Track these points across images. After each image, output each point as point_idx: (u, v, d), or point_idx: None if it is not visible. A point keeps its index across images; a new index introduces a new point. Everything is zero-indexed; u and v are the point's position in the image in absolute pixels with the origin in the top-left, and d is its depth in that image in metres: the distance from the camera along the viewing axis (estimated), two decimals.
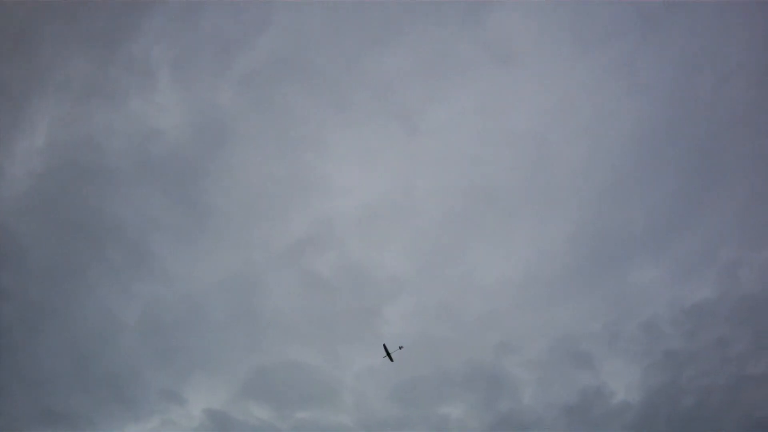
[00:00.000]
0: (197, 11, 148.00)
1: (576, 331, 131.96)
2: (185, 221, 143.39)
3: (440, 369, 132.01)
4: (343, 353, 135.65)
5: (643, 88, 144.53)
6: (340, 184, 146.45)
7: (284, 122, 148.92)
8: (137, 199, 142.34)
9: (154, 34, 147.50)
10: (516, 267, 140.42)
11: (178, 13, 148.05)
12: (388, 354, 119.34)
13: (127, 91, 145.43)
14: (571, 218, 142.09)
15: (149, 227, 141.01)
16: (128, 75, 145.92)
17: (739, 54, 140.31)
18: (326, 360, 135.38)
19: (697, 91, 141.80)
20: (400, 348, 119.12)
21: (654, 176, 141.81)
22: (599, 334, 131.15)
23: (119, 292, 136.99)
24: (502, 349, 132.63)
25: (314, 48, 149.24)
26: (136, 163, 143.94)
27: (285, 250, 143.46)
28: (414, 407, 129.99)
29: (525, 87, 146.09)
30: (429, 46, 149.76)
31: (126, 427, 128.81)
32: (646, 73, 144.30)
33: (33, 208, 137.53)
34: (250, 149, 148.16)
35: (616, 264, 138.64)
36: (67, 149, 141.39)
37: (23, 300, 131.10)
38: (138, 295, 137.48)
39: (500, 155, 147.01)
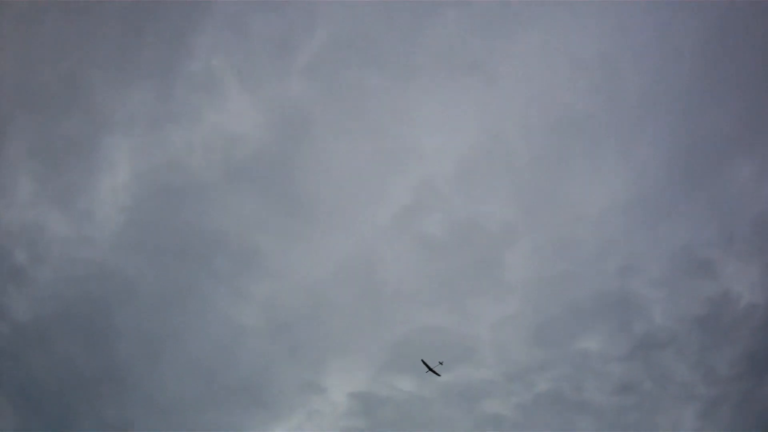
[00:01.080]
0: (245, 14, 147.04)
1: (691, 241, 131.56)
2: (287, 216, 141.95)
3: (570, 304, 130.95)
4: (473, 309, 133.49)
5: None
6: (431, 147, 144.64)
7: (360, 100, 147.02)
8: (233, 206, 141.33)
9: (208, 47, 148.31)
10: (618, 190, 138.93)
11: (227, 21, 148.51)
12: (431, 369, 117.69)
13: (197, 107, 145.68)
14: (660, 130, 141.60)
15: (252, 230, 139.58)
16: (194, 92, 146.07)
17: None
18: (458, 319, 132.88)
19: None
20: (441, 364, 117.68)
21: (738, 71, 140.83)
22: (714, 240, 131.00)
23: (236, 299, 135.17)
24: (625, 273, 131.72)
25: (370, 22, 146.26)
26: (223, 172, 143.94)
27: (392, 221, 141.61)
28: (553, 348, 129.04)
29: (589, 10, 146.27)
30: None
31: (271, 429, 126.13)
32: None
33: (131, 242, 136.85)
34: (332, 134, 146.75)
35: (714, 167, 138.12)
36: (151, 176, 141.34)
37: (141, 333, 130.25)
38: (255, 297, 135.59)
39: (576, 85, 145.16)
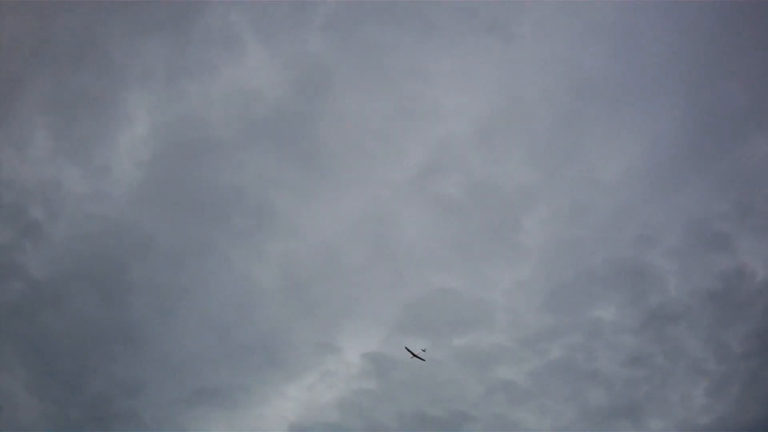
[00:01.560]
0: None
1: (707, 212, 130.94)
2: (303, 174, 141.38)
3: (585, 271, 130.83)
4: (488, 273, 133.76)
5: None
6: (449, 107, 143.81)
7: (378, 57, 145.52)
8: (250, 162, 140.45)
9: (226, 2, 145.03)
10: (635, 157, 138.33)
11: None
12: (415, 355, 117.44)
13: (214, 62, 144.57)
14: (678, 100, 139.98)
15: (269, 187, 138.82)
16: (211, 46, 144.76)
17: None
18: (472, 282, 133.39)
19: None
20: (424, 351, 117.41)
21: (758, 44, 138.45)
22: (730, 213, 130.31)
23: (252, 257, 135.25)
24: (641, 242, 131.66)
25: None
26: (240, 128, 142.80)
27: (409, 180, 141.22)
28: (566, 314, 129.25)
29: None
30: None
31: (285, 388, 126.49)
32: None
33: (149, 197, 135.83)
34: (351, 91, 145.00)
35: (731, 140, 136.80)
36: (169, 132, 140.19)
37: (155, 289, 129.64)
38: (272, 255, 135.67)
39: (596, 50, 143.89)
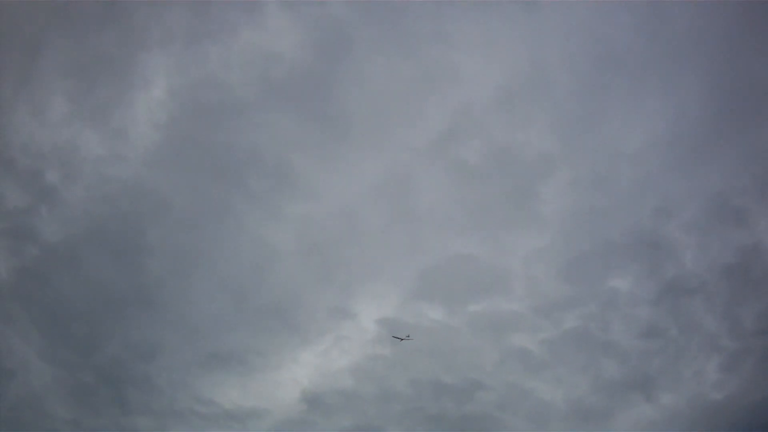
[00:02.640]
0: None
1: (727, 187, 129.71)
2: (322, 136, 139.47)
3: (603, 241, 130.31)
4: (505, 240, 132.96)
5: None
6: (471, 72, 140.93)
7: (400, 21, 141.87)
8: (269, 124, 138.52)
9: None
10: (657, 129, 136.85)
11: None
12: (400, 339, 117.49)
13: (234, 24, 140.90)
14: (700, 74, 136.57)
15: (287, 149, 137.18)
16: (231, 9, 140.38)
17: None
18: (490, 249, 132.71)
19: None
20: (408, 337, 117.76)
21: None
22: (749, 188, 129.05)
23: (269, 219, 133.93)
24: (660, 214, 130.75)
25: None
26: (259, 90, 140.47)
27: (428, 145, 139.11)
28: (584, 284, 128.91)
29: None
30: None
31: (298, 353, 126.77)
32: None
33: (166, 159, 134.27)
34: (372, 54, 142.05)
35: (751, 115, 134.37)
36: (187, 94, 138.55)
37: (172, 252, 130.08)
38: (289, 218, 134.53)
39: (619, 20, 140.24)
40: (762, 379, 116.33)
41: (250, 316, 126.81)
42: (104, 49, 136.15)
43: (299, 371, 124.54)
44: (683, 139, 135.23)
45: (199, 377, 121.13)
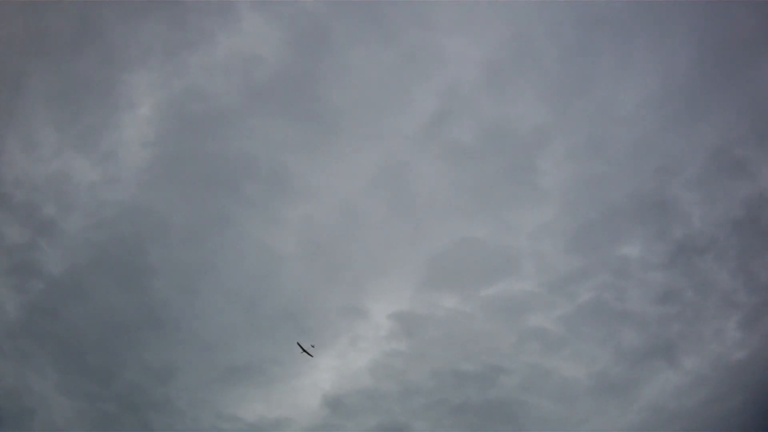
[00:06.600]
0: None
1: (726, 139, 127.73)
2: (313, 134, 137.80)
3: (608, 207, 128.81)
4: (509, 218, 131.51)
5: None
6: (454, 51, 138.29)
7: (377, 7, 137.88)
8: (258, 129, 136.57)
9: None
10: (649, 88, 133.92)
11: None
12: (305, 351, 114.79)
13: (210, 31, 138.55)
14: (690, 24, 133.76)
15: (279, 152, 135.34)
16: (207, 16, 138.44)
17: None
18: (495, 229, 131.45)
19: None
20: (312, 347, 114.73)
21: None
22: (748, 137, 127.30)
23: (270, 225, 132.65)
24: (662, 173, 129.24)
25: None
26: (244, 95, 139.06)
27: (420, 130, 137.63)
28: (593, 254, 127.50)
29: None
30: None
31: (316, 358, 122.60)
32: None
33: (158, 177, 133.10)
34: (352, 45, 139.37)
35: (745, 62, 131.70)
36: (172, 108, 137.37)
37: (176, 270, 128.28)
38: (289, 220, 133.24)
39: None
40: None
41: (262, 326, 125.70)
42: (84, 74, 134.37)
43: (319, 376, 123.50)
44: (676, 95, 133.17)
45: (220, 393, 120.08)
